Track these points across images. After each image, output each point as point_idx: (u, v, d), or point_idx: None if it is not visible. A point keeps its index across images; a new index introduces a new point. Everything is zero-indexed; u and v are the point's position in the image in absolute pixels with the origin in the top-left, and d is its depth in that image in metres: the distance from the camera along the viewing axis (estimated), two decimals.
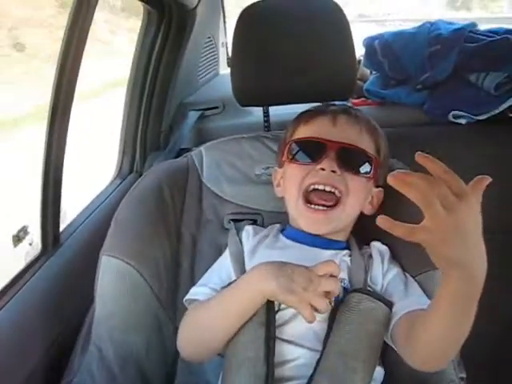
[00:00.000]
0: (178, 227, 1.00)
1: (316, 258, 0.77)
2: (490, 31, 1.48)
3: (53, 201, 1.02)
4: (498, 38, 1.44)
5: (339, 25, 1.05)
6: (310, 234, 0.88)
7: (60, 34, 0.94)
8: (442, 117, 1.46)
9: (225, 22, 1.86)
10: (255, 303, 0.76)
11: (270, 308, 0.77)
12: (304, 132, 0.92)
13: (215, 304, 0.80)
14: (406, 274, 0.88)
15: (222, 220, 1.02)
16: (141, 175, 1.18)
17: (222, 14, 1.79)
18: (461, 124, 1.44)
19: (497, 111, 1.39)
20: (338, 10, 1.05)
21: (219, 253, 0.97)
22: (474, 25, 1.50)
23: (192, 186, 1.03)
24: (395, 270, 0.87)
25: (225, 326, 0.78)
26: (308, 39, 1.04)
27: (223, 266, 0.90)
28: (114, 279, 0.91)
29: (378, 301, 0.79)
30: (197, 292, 0.88)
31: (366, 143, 0.89)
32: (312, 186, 0.85)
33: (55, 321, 0.96)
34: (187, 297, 0.88)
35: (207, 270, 0.93)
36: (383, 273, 0.86)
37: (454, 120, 1.44)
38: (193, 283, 0.94)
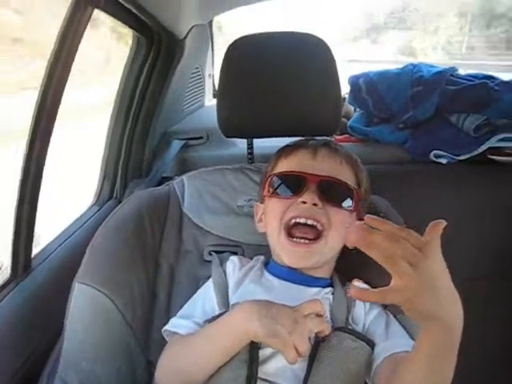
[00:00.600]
0: (155, 257, 0.98)
1: (299, 296, 0.77)
2: (470, 75, 1.52)
3: (27, 223, 0.99)
4: (477, 82, 1.47)
5: (326, 62, 1.06)
6: (294, 271, 0.87)
7: None
8: (424, 156, 1.48)
9: (213, 53, 1.88)
10: (239, 343, 0.74)
11: (253, 346, 0.75)
12: (285, 166, 0.92)
13: (199, 341, 0.78)
14: (388, 313, 0.87)
15: (201, 251, 1.00)
16: (120, 202, 1.16)
17: (210, 45, 1.81)
18: (442, 163, 1.46)
19: (476, 152, 1.42)
20: (325, 47, 1.06)
21: (197, 285, 0.95)
22: (454, 69, 1.54)
23: (172, 215, 1.02)
24: (377, 310, 0.86)
25: (208, 363, 0.76)
26: (294, 74, 1.05)
27: (207, 298, 0.89)
28: (86, 307, 0.88)
29: (359, 340, 0.77)
30: (178, 324, 0.85)
31: (346, 175, 0.90)
32: (293, 220, 0.85)
33: (22, 349, 0.92)
34: (167, 327, 0.86)
35: (184, 301, 0.91)
36: (365, 312, 0.85)
37: (435, 159, 1.46)
38: (168, 315, 0.92)
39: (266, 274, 0.90)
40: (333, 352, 0.76)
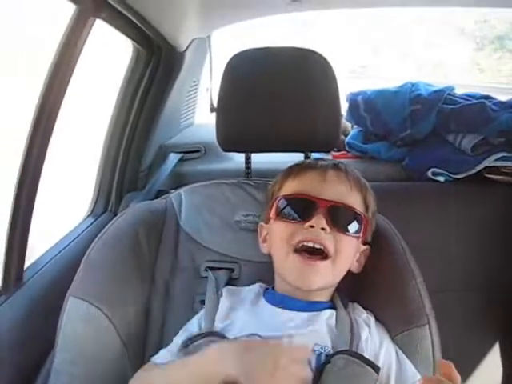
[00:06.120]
0: (151, 272, 0.96)
1: (294, 322, 0.79)
2: (467, 95, 1.54)
3: (20, 234, 0.98)
4: (475, 101, 1.49)
5: (326, 78, 1.05)
6: (291, 298, 0.85)
7: None
8: (420, 174, 1.48)
9: (211, 67, 1.88)
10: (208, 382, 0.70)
11: None
12: (292, 187, 0.90)
13: (170, 370, 0.76)
14: (398, 352, 0.84)
15: (198, 267, 0.98)
16: (115, 215, 1.15)
17: (209, 59, 1.82)
18: (438, 181, 1.46)
19: (473, 171, 1.43)
20: (326, 64, 1.06)
21: (192, 301, 0.94)
22: (451, 88, 1.55)
23: (169, 229, 1.00)
24: (384, 348, 0.83)
25: None
26: (294, 90, 1.05)
27: (191, 326, 0.87)
28: (80, 323, 0.86)
29: (366, 365, 0.75)
30: (160, 355, 0.83)
31: (355, 200, 0.88)
32: (301, 244, 0.83)
33: (10, 367, 0.89)
34: (152, 358, 0.84)
35: (179, 318, 0.89)
36: (375, 349, 0.83)
37: (432, 177, 1.47)
38: (163, 333, 0.90)
39: (263, 301, 0.88)
40: (338, 376, 0.74)
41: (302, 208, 0.86)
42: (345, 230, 0.85)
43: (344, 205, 0.86)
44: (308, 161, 0.96)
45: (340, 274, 0.88)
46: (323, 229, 0.83)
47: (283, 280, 0.87)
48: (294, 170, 0.93)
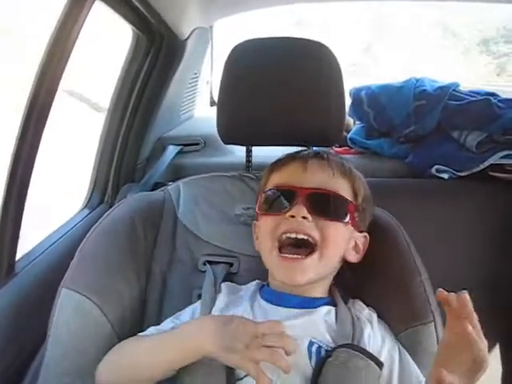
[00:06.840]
0: (148, 263, 0.94)
1: (292, 320, 0.77)
2: (472, 91, 1.52)
3: (13, 224, 0.95)
4: (480, 98, 1.47)
5: (331, 71, 1.03)
6: (286, 295, 0.83)
7: None
8: (423, 170, 1.47)
9: (212, 59, 1.85)
10: (187, 357, 0.72)
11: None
12: (276, 180, 0.89)
13: (149, 342, 0.78)
14: (401, 351, 0.82)
15: (196, 260, 0.96)
16: (111, 207, 1.13)
17: (210, 51, 1.79)
18: (442, 178, 1.45)
19: (478, 169, 1.41)
20: (331, 56, 1.04)
21: (190, 294, 0.92)
22: (457, 84, 1.53)
23: (167, 221, 0.98)
24: (386, 346, 0.81)
25: (150, 369, 0.75)
26: (298, 82, 1.02)
27: (182, 315, 0.85)
28: (73, 316, 0.83)
29: (369, 360, 0.73)
30: (147, 332, 0.83)
31: (339, 186, 0.86)
32: (284, 235, 0.81)
33: (2, 358, 0.87)
34: (139, 334, 0.83)
35: (176, 310, 0.87)
36: (377, 347, 0.80)
37: (436, 174, 1.45)
38: (159, 324, 0.87)
39: (259, 299, 0.86)
40: (340, 369, 0.72)
41: (283, 199, 0.85)
42: (328, 216, 0.83)
43: (324, 190, 0.84)
44: (291, 153, 0.94)
45: (331, 263, 0.85)
46: (305, 217, 0.81)
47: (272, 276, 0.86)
48: (278, 164, 0.91)
